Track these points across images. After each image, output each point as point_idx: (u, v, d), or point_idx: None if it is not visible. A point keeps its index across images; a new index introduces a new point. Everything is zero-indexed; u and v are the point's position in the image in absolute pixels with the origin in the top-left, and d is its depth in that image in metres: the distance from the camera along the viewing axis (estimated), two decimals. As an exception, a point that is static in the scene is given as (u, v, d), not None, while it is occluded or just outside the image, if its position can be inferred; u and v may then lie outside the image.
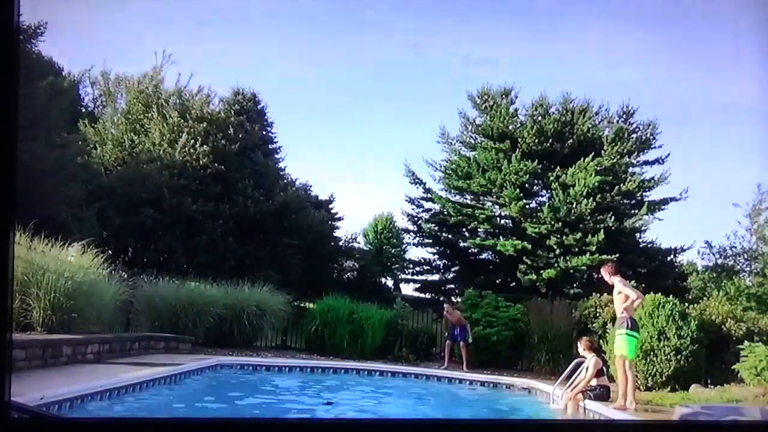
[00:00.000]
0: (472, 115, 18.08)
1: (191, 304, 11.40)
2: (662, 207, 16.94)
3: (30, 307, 7.74)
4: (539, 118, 17.03)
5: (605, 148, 16.34)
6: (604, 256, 14.46)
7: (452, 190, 17.93)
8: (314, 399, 8.43)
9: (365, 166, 27.94)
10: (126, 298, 10.10)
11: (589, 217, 15.49)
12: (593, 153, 16.21)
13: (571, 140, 16.69)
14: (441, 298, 17.70)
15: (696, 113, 20.72)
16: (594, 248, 14.98)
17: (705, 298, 13.07)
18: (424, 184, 18.22)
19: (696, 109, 20.31)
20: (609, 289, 8.44)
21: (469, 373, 11.52)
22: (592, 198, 15.47)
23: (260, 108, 18.23)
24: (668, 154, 17.14)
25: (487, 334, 12.76)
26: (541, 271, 15.43)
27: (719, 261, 19.60)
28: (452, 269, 18.50)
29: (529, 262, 15.73)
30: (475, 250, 17.48)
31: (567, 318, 12.74)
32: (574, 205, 15.53)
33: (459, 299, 15.70)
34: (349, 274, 19.16)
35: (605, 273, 8.10)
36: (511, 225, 17.15)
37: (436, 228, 17.85)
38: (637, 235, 16.96)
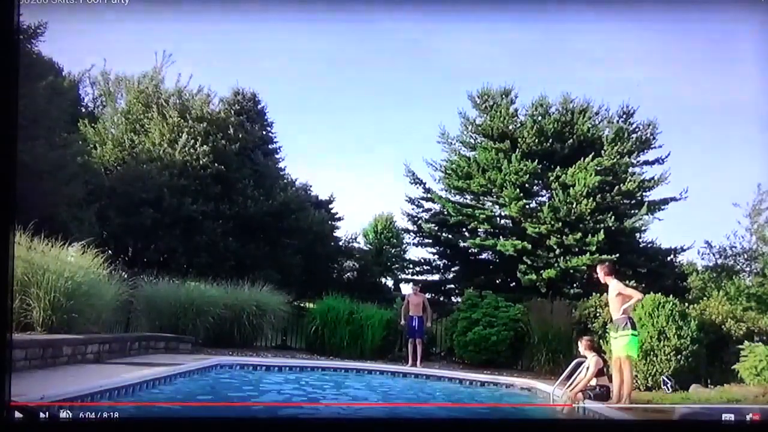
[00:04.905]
0: (472, 115, 18.10)
1: (191, 304, 11.40)
2: (662, 207, 16.93)
3: (30, 307, 7.75)
4: (539, 118, 17.04)
5: (605, 148, 16.34)
6: (604, 256, 14.47)
7: (452, 190, 17.93)
8: (313, 398, 8.43)
9: (365, 166, 27.97)
10: (126, 298, 10.10)
11: (589, 217, 15.49)
12: (593, 153, 16.21)
13: (571, 140, 16.69)
14: (441, 298, 17.73)
15: (696, 113, 20.75)
16: (594, 248, 14.99)
17: (705, 298, 13.06)
18: (424, 184, 18.23)
19: (696, 108, 20.33)
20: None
21: (469, 373, 11.52)
22: (592, 198, 15.47)
23: (260, 108, 18.25)
24: (668, 154, 17.16)
25: (487, 334, 12.76)
26: (541, 271, 15.43)
27: (719, 261, 19.57)
28: (452, 269, 18.50)
29: (529, 262, 15.73)
30: (475, 250, 17.47)
31: (567, 318, 12.73)
32: (574, 205, 15.53)
33: (459, 299, 15.71)
34: (349, 274, 19.19)
35: (600, 272, 8.10)
36: (511, 225, 17.14)
37: (436, 228, 17.85)
38: (637, 235, 16.95)
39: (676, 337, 10.05)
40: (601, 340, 10.74)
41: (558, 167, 16.37)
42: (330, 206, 19.27)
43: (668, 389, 7.71)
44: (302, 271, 16.63)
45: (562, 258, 15.38)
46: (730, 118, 19.33)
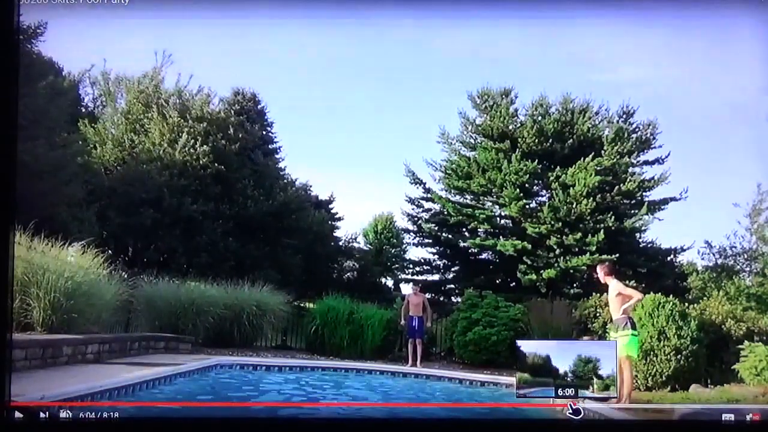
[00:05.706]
0: (472, 115, 18.10)
1: (191, 304, 11.40)
2: (662, 207, 16.93)
3: (30, 307, 7.75)
4: (539, 118, 17.04)
5: (605, 148, 16.35)
6: (604, 256, 14.48)
7: (452, 190, 17.93)
8: (313, 398, 8.43)
9: (365, 166, 27.94)
10: (126, 298, 10.11)
11: (589, 217, 15.50)
12: (593, 153, 16.21)
13: (571, 140, 16.70)
14: (441, 298, 17.73)
15: (696, 113, 20.74)
16: (594, 248, 14.99)
17: (705, 298, 13.06)
18: (424, 184, 18.23)
19: (696, 108, 20.33)
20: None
21: (469, 373, 11.52)
22: (592, 198, 15.48)
23: (260, 108, 18.26)
24: (668, 154, 17.17)
25: (487, 334, 12.76)
26: (541, 271, 15.43)
27: (719, 261, 19.56)
28: (452, 269, 18.50)
29: (529, 262, 15.73)
30: (475, 250, 17.48)
31: (567, 318, 12.74)
32: (574, 205, 15.54)
33: (459, 299, 15.70)
34: (349, 274, 19.18)
35: (600, 272, 8.10)
36: (511, 225, 17.15)
37: (436, 228, 17.85)
38: (637, 235, 16.96)
39: (676, 337, 10.04)
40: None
41: (558, 167, 16.38)
42: (330, 206, 19.27)
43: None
44: (302, 271, 16.63)
45: (562, 258, 15.39)
46: (730, 118, 19.33)
